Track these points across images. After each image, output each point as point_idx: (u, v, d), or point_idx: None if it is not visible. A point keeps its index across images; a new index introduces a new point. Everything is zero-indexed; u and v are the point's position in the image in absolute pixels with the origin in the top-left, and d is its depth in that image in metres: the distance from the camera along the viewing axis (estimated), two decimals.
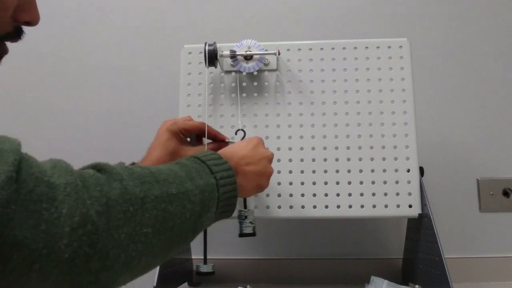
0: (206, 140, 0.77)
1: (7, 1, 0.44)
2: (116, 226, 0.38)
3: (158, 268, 0.76)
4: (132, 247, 0.40)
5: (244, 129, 0.82)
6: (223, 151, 0.63)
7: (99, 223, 0.37)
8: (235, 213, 0.74)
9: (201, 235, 0.73)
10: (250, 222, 0.74)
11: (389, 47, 0.84)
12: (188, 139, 0.79)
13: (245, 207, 0.76)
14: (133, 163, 0.74)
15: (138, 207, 0.41)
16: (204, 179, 0.52)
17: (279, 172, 0.81)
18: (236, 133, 0.81)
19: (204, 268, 0.76)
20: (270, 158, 0.68)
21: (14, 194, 0.33)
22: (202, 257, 0.80)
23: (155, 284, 0.75)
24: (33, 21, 0.49)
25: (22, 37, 0.50)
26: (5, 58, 0.50)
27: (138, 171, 0.45)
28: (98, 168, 0.43)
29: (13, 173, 0.33)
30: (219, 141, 0.77)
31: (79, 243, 0.35)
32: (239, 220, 0.74)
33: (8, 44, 0.49)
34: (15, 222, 0.32)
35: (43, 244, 0.34)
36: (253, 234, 0.74)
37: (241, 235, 0.73)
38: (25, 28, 0.50)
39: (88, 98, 1.12)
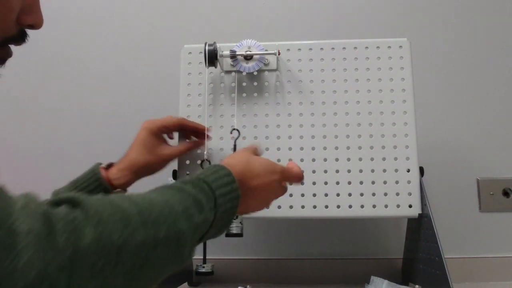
0: (175, 138, 0.77)
1: (11, 4, 0.44)
2: (79, 284, 0.33)
3: None
4: None
5: (238, 129, 0.81)
6: (238, 167, 0.55)
7: (59, 280, 0.32)
8: None
9: None
10: (239, 222, 0.74)
11: (389, 47, 0.84)
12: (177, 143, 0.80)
13: None
14: (111, 164, 0.73)
15: (111, 258, 0.35)
16: (202, 215, 0.46)
17: None
18: (231, 132, 0.81)
19: (203, 268, 0.76)
20: (279, 195, 0.62)
21: None
22: (202, 257, 0.80)
23: None
24: (36, 24, 0.49)
25: (26, 40, 0.50)
26: (8, 61, 0.50)
27: (124, 208, 0.38)
28: (74, 202, 0.37)
29: None
30: (201, 134, 0.78)
31: None
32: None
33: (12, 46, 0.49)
34: None
35: None
36: (240, 235, 0.74)
37: (228, 235, 0.73)
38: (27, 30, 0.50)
39: (87, 98, 1.12)
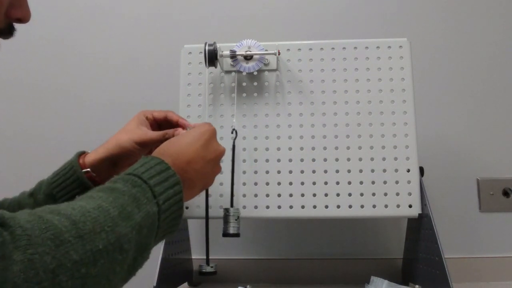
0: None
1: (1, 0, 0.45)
2: None
3: (158, 268, 0.76)
4: None
5: (236, 129, 0.81)
6: (168, 151, 0.54)
7: None
8: (220, 213, 0.74)
9: (202, 235, 0.73)
10: (236, 222, 0.73)
11: (389, 47, 0.84)
12: None
13: (232, 205, 0.76)
14: (84, 153, 0.71)
15: (46, 283, 0.32)
16: (142, 210, 0.43)
17: (279, 172, 0.81)
18: (232, 133, 0.81)
19: (207, 268, 0.76)
20: (221, 155, 0.62)
21: None
22: (202, 257, 0.79)
23: (155, 284, 0.75)
24: (24, 18, 0.49)
25: (14, 34, 0.50)
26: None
27: (55, 223, 0.35)
28: (2, 222, 0.33)
29: None
30: (181, 127, 0.73)
31: None
32: (225, 220, 0.73)
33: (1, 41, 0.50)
34: None
35: None
36: (237, 235, 0.73)
37: (225, 235, 0.73)
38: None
39: (88, 98, 1.12)
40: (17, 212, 0.35)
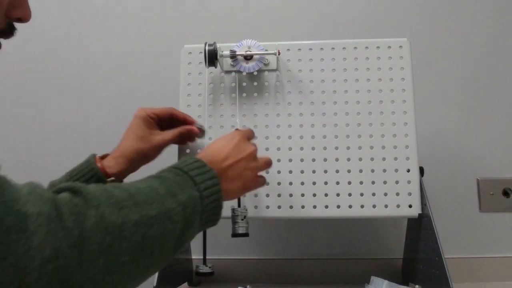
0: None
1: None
2: (90, 259, 0.36)
3: None
4: (107, 280, 0.38)
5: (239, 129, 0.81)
6: (203, 154, 0.60)
7: (71, 257, 0.35)
8: (228, 213, 0.74)
9: (200, 235, 0.73)
10: (244, 222, 0.73)
11: (389, 47, 0.84)
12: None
13: (239, 205, 0.76)
14: (106, 155, 0.73)
15: (115, 235, 0.39)
16: (186, 193, 0.50)
17: (279, 172, 0.81)
18: None
19: (204, 269, 0.76)
20: (254, 154, 0.65)
21: None
22: (202, 257, 0.80)
23: (155, 284, 0.75)
24: (24, 18, 0.50)
25: (14, 33, 0.50)
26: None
27: (116, 193, 0.43)
28: (74, 190, 0.40)
29: None
30: (189, 124, 0.78)
31: (49, 278, 0.33)
32: (233, 220, 0.73)
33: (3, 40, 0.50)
34: None
35: (10, 278, 0.32)
36: (246, 235, 0.73)
37: (234, 235, 0.73)
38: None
39: (88, 98, 1.12)
40: (86, 185, 0.42)
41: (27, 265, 0.32)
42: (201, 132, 0.79)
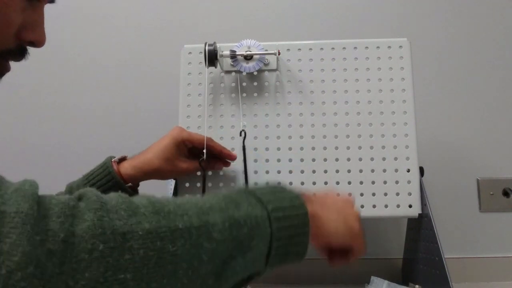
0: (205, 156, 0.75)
1: (11, 17, 0.43)
2: (73, 270, 0.30)
3: None
4: None
5: (245, 129, 0.81)
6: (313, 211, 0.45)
7: (47, 265, 0.29)
8: None
9: None
10: None
11: (389, 47, 0.84)
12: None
13: None
14: (124, 158, 0.73)
15: (114, 244, 0.32)
16: (242, 209, 0.39)
17: (279, 172, 0.81)
18: (240, 134, 0.81)
19: None
20: (356, 216, 0.52)
21: None
22: None
23: None
24: (38, 42, 0.48)
25: (26, 57, 0.48)
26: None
27: (133, 201, 0.36)
28: (81, 196, 0.35)
29: None
30: (223, 158, 0.78)
31: None
32: None
33: None
34: None
35: None
36: None
37: None
38: None
39: (88, 98, 1.12)
40: (94, 190, 0.36)
41: None
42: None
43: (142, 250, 0.33)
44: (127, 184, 0.71)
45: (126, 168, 0.71)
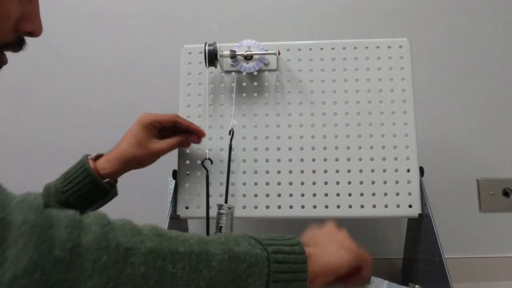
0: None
1: (8, 10, 0.44)
2: (76, 279, 0.31)
3: None
4: None
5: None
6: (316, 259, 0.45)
7: (53, 272, 0.30)
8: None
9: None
10: (228, 222, 0.72)
11: (389, 47, 0.84)
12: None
13: (226, 202, 0.76)
14: (100, 155, 0.73)
15: (117, 258, 0.33)
16: (243, 246, 0.40)
17: (279, 172, 0.81)
18: (229, 133, 0.80)
19: None
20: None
21: None
22: None
23: None
24: (35, 32, 0.49)
25: (24, 47, 0.49)
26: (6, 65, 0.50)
27: (138, 225, 0.37)
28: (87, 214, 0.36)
29: None
30: (192, 133, 0.78)
31: None
32: (217, 218, 0.72)
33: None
34: None
35: None
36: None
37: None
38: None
39: (88, 98, 1.12)
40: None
41: None
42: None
43: (143, 267, 0.34)
44: (104, 180, 0.71)
45: (102, 163, 0.71)
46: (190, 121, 0.78)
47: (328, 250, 0.48)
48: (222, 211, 0.73)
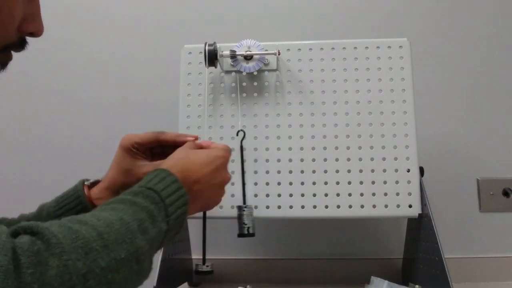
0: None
1: (14, 12, 0.45)
2: None
3: (158, 268, 0.76)
4: None
5: (244, 129, 0.81)
6: (178, 166, 0.55)
7: None
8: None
9: (200, 235, 0.73)
10: (250, 221, 0.74)
11: (389, 47, 0.84)
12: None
13: (244, 203, 0.76)
14: (98, 181, 0.69)
15: (79, 287, 0.35)
16: (157, 227, 0.47)
17: (279, 172, 0.81)
18: (237, 134, 0.81)
19: (203, 268, 0.76)
20: (225, 183, 0.63)
21: None
22: (199, 257, 0.79)
23: (155, 284, 0.75)
24: (37, 33, 0.49)
25: (25, 47, 0.50)
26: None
27: (83, 233, 0.39)
28: (34, 232, 0.37)
29: None
30: (180, 145, 0.67)
31: None
32: (239, 220, 0.73)
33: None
34: None
35: None
36: (252, 235, 0.74)
37: (240, 235, 0.73)
38: None
39: (88, 98, 1.12)
40: (47, 223, 0.39)
41: None
42: None
43: (98, 286, 0.37)
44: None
45: (95, 193, 0.68)
46: (175, 134, 0.70)
47: (192, 208, 0.56)
48: (244, 211, 0.74)
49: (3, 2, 0.43)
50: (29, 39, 0.50)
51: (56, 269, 0.34)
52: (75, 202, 0.67)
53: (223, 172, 0.62)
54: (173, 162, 0.57)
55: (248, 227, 0.74)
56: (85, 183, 0.69)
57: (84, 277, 0.36)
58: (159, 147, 0.69)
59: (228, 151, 0.64)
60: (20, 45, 0.49)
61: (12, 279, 0.32)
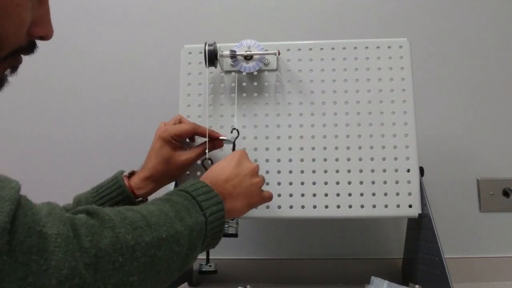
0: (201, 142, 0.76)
1: (23, 17, 0.45)
2: (103, 278, 0.38)
3: None
4: None
5: (238, 129, 0.81)
6: (207, 176, 0.63)
7: (86, 276, 0.37)
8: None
9: None
10: (234, 222, 0.74)
11: (389, 47, 0.84)
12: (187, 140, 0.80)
13: None
14: (133, 172, 0.75)
15: (128, 256, 0.41)
16: (193, 217, 0.52)
17: (279, 172, 0.81)
18: (231, 132, 0.81)
19: (207, 267, 0.76)
20: (255, 171, 0.68)
21: (6, 245, 0.33)
22: (202, 256, 0.79)
23: None
24: (46, 36, 0.50)
25: (35, 51, 0.50)
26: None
27: (130, 215, 0.45)
28: (90, 212, 0.43)
29: (7, 224, 0.33)
30: (214, 140, 0.78)
31: None
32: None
33: None
34: (5, 273, 0.32)
35: None
36: (235, 235, 0.74)
37: (224, 235, 0.73)
38: None
39: (88, 98, 1.12)
40: (101, 208, 0.44)
41: (44, 284, 0.34)
42: (227, 142, 0.80)
43: (143, 258, 0.43)
44: (137, 199, 0.73)
45: (136, 183, 0.73)
46: (209, 129, 0.78)
47: (237, 205, 0.63)
48: None
49: (12, 7, 0.43)
50: None
51: (110, 239, 0.40)
52: (117, 191, 0.72)
53: (247, 162, 0.68)
54: (203, 176, 0.64)
55: (228, 227, 0.74)
56: (124, 173, 0.74)
57: (132, 248, 0.42)
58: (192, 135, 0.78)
59: (242, 150, 0.71)
60: (30, 48, 0.49)
61: (73, 244, 0.37)
